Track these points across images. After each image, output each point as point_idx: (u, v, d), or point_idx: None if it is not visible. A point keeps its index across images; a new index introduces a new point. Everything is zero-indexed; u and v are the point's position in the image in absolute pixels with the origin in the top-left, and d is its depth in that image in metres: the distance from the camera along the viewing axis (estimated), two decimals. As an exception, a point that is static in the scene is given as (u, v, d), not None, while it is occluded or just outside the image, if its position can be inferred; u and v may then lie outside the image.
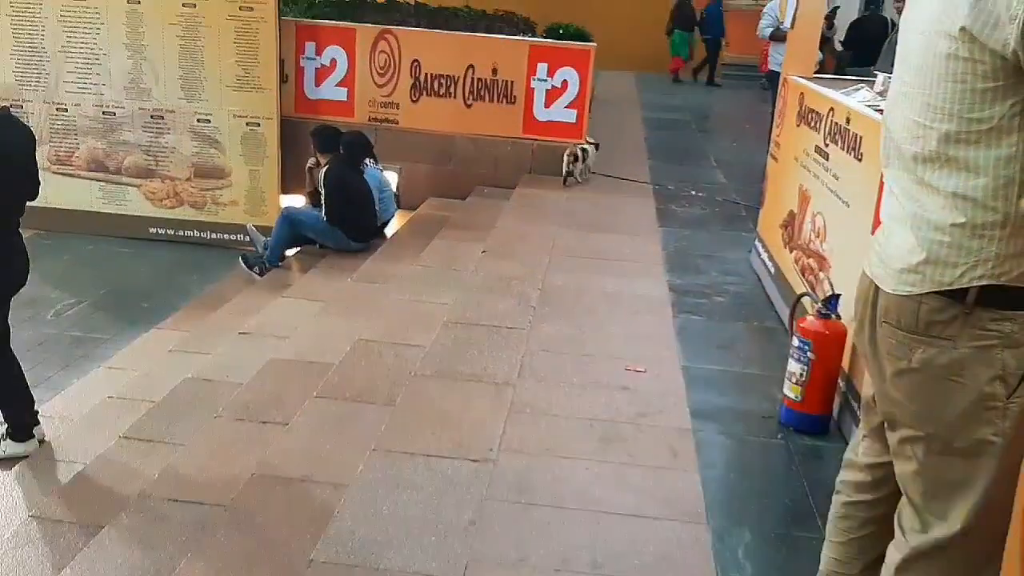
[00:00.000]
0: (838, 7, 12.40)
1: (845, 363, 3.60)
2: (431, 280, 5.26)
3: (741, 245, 6.13)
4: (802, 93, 5.03)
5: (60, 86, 7.38)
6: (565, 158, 7.45)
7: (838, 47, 11.39)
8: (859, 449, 2.11)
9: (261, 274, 6.42)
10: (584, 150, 7.57)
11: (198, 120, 7.38)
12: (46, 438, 4.06)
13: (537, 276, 5.23)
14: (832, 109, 4.36)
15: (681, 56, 16.24)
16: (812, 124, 4.73)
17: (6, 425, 4.03)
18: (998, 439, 1.74)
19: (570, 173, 7.51)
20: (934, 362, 1.76)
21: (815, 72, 5.64)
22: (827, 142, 4.38)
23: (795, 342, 3.62)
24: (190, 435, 3.65)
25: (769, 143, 5.99)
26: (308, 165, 6.85)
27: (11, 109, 4.02)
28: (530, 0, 11.41)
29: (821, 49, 8.17)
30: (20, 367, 4.04)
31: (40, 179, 4.00)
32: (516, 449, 3.31)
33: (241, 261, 6.50)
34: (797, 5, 5.46)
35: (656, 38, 15.48)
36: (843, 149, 4.09)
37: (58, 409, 4.48)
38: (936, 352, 1.76)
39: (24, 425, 4.01)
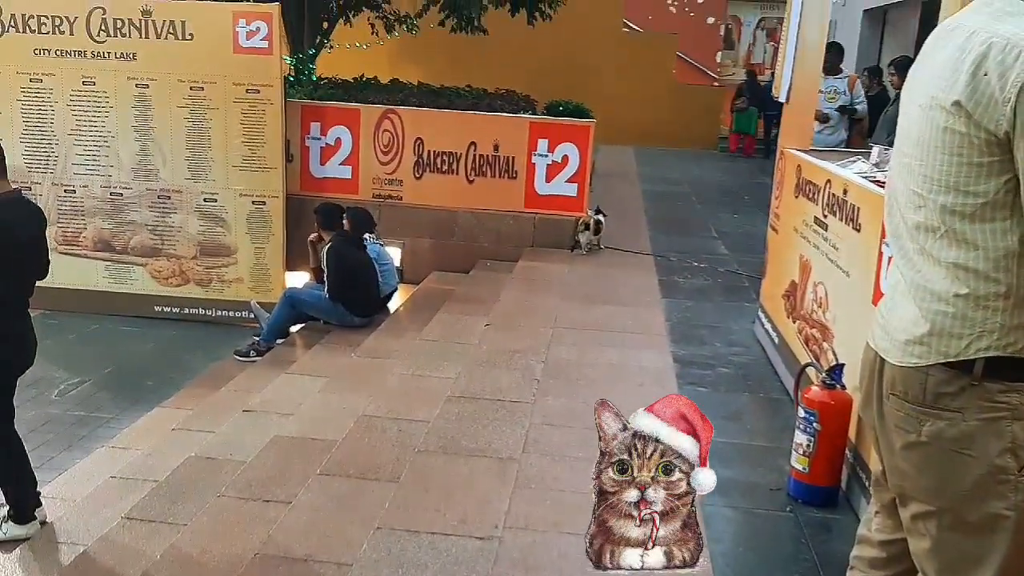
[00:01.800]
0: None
1: (852, 434, 3.58)
2: (434, 354, 5.26)
3: (744, 315, 6.14)
4: (799, 165, 5.10)
5: (68, 168, 7.51)
6: (578, 225, 7.66)
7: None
8: (872, 525, 2.08)
9: (259, 355, 6.43)
10: (598, 221, 7.67)
11: (204, 199, 7.48)
12: (48, 519, 4.02)
13: (541, 349, 5.23)
14: (829, 181, 4.41)
15: (749, 132, 16.12)
16: (810, 196, 4.79)
17: (7, 507, 4.00)
18: (1011, 513, 1.71)
19: (577, 243, 7.61)
20: (943, 435, 1.75)
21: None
22: (825, 213, 4.42)
23: (801, 413, 3.60)
24: (193, 515, 3.61)
25: (769, 214, 6.05)
26: (310, 239, 6.94)
27: (21, 191, 4.08)
28: (530, 78, 11.69)
29: (850, 128, 8.25)
30: (23, 448, 4.02)
31: (49, 259, 4.05)
32: (522, 526, 3.27)
33: (235, 355, 6.50)
34: (791, 78, 5.56)
35: (654, 113, 15.74)
36: (841, 220, 4.13)
37: (61, 490, 4.44)
38: (945, 425, 1.74)
39: (26, 507, 3.98)
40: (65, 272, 7.42)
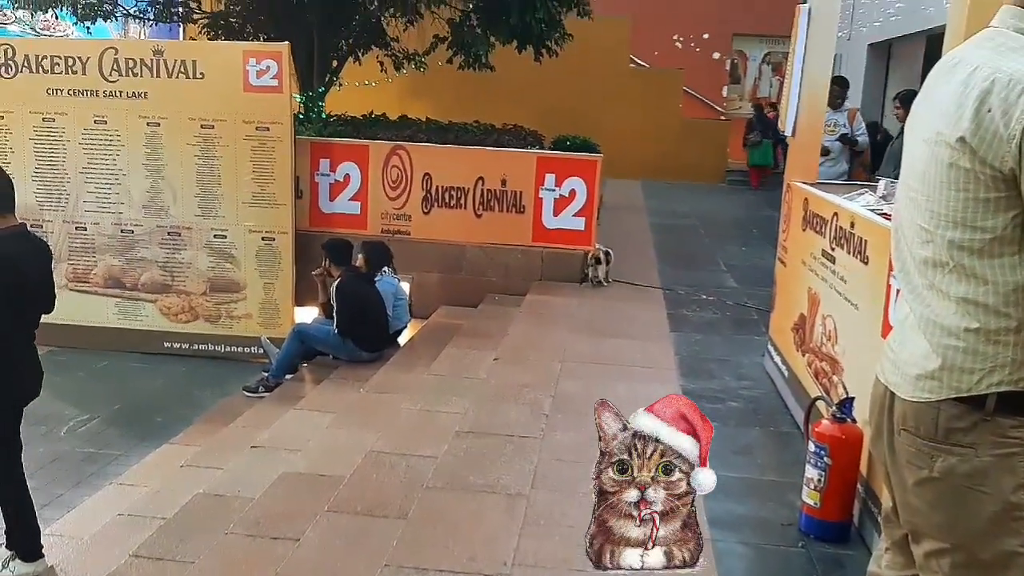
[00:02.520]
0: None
1: (863, 468, 3.55)
2: (443, 389, 5.25)
3: (754, 349, 6.12)
4: (806, 199, 5.11)
5: (80, 206, 7.56)
6: (588, 260, 7.65)
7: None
8: (882, 561, 2.05)
9: (268, 391, 6.43)
10: (607, 253, 7.70)
11: (214, 236, 7.52)
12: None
13: (549, 383, 5.21)
14: (836, 214, 4.42)
15: (766, 165, 16.12)
16: (817, 229, 4.79)
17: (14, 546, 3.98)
18: None
19: (586, 276, 7.61)
20: (956, 471, 1.73)
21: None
22: (833, 246, 4.42)
23: (811, 447, 3.58)
24: (201, 553, 3.59)
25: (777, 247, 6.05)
26: (314, 273, 6.96)
27: (30, 227, 4.12)
28: (538, 114, 11.77)
29: (851, 161, 8.30)
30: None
31: (56, 293, 4.09)
32: (531, 563, 3.24)
33: (244, 391, 6.50)
34: (797, 112, 5.58)
35: (661, 146, 15.81)
36: (849, 253, 4.13)
37: (69, 528, 4.43)
38: (957, 460, 1.73)
39: (33, 543, 3.96)
40: (75, 309, 7.45)
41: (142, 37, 12.09)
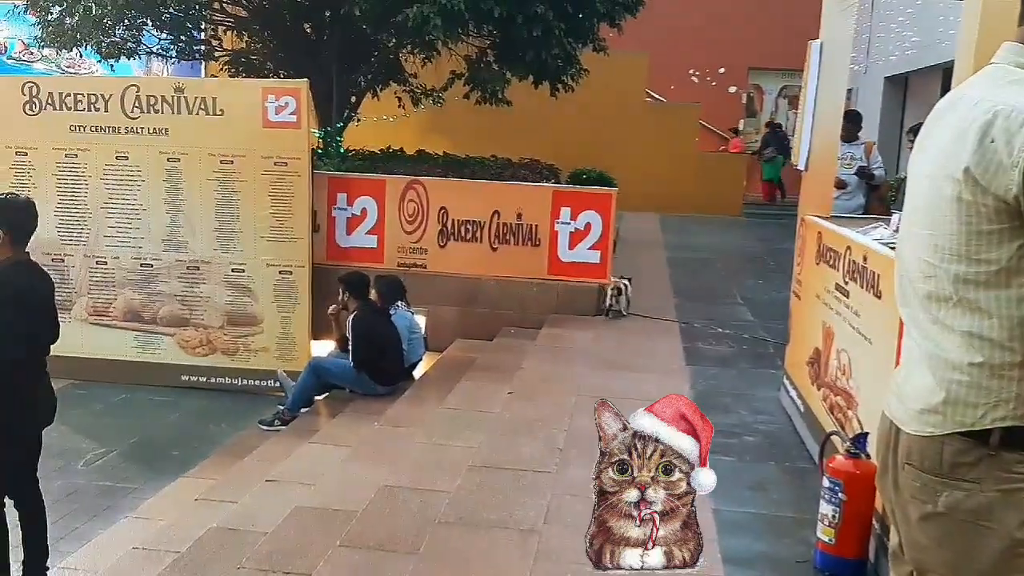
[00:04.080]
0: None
1: (878, 503, 3.51)
2: (457, 423, 5.25)
3: (770, 383, 6.08)
4: (819, 232, 5.11)
5: (100, 240, 7.66)
6: (608, 292, 7.70)
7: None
8: (892, 598, 2.03)
9: (284, 424, 6.45)
10: (625, 284, 7.72)
11: (232, 270, 7.59)
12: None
13: (563, 418, 5.20)
14: (849, 248, 4.41)
15: (774, 181, 16.33)
16: (831, 262, 4.78)
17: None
18: None
19: (606, 308, 7.62)
20: (961, 506, 1.72)
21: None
22: (846, 280, 4.41)
23: (825, 483, 3.55)
24: (212, 587, 3.60)
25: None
26: (330, 311, 6.99)
27: (51, 260, 4.22)
28: (555, 148, 11.85)
29: (868, 194, 8.30)
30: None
31: (60, 322, 4.18)
32: (542, 599, 3.22)
33: (260, 424, 6.52)
34: (810, 147, 5.59)
35: (677, 180, 15.85)
36: (862, 287, 4.12)
37: (84, 561, 4.45)
38: (962, 496, 1.71)
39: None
40: (95, 342, 7.54)
41: (165, 74, 12.32)
